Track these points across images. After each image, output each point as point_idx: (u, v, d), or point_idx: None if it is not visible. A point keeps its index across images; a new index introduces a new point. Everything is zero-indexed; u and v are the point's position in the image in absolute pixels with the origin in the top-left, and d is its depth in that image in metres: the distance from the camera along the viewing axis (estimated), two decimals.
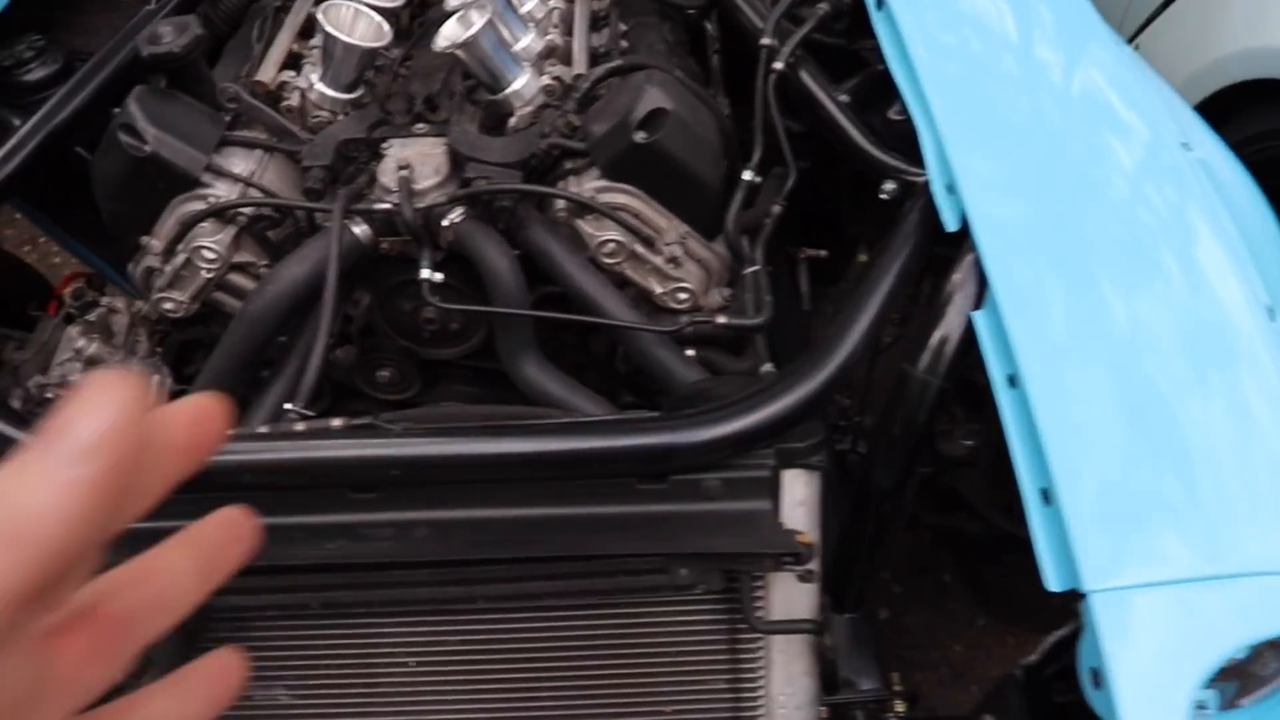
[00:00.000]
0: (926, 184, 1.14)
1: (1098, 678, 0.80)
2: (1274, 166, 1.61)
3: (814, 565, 0.99)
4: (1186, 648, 0.78)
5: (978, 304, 1.01)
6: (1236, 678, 0.89)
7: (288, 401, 1.29)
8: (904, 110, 1.28)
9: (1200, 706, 0.79)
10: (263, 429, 1.02)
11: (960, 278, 1.04)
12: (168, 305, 1.33)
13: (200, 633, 1.01)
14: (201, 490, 0.94)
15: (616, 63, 1.32)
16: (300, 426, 1.04)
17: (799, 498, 1.03)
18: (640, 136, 1.20)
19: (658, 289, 1.29)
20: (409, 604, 1.02)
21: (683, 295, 1.30)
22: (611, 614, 1.06)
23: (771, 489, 1.00)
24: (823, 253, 1.61)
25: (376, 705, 1.10)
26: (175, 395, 1.25)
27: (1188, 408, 0.88)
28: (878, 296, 1.07)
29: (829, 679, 1.17)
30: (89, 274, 1.60)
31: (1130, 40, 1.99)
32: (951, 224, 1.07)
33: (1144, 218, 1.08)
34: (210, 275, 1.30)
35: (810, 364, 1.01)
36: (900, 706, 1.21)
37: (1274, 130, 1.66)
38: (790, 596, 1.06)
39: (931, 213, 1.11)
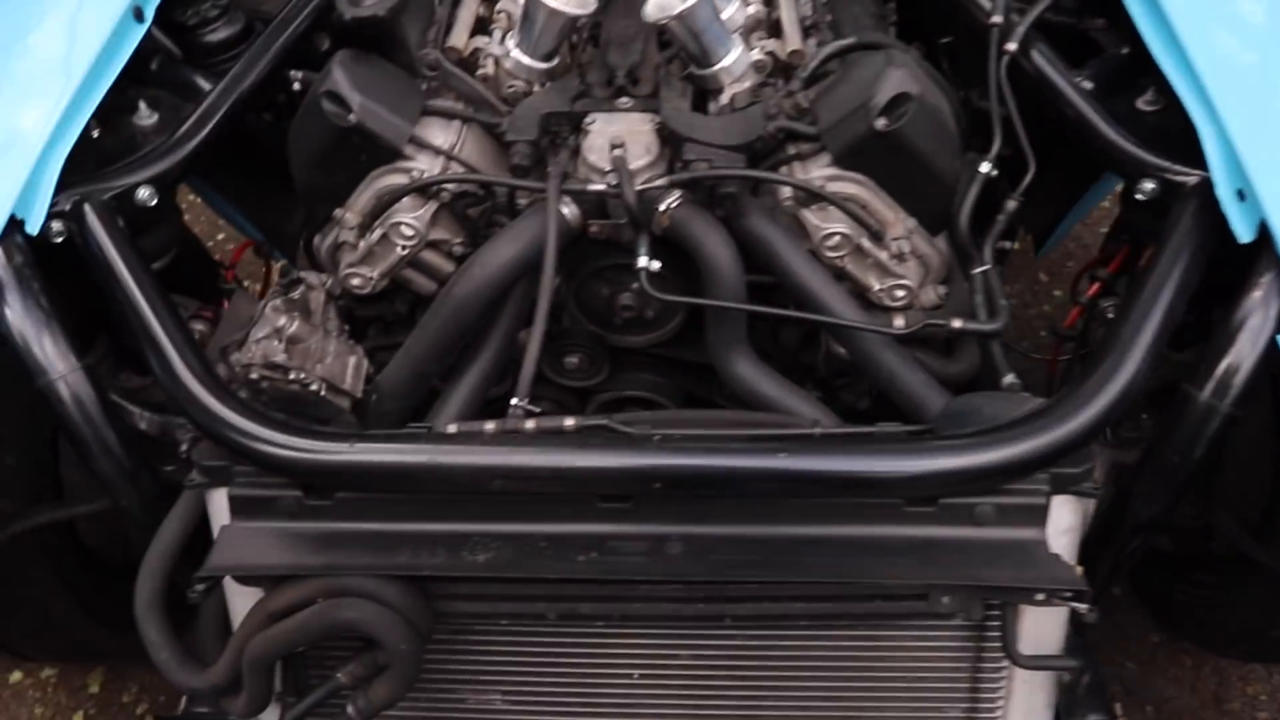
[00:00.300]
0: (1199, 186, 1.05)
1: None
2: None
3: (1090, 611, 0.93)
4: None
5: None
6: None
7: (492, 391, 1.26)
8: (1157, 99, 1.18)
9: None
10: (507, 429, 0.96)
11: (1259, 296, 0.96)
12: (355, 281, 1.28)
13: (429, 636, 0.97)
14: (450, 493, 0.91)
15: (849, 40, 1.23)
16: (530, 425, 0.99)
17: (1065, 525, 0.96)
18: (882, 123, 1.12)
19: (875, 285, 1.22)
20: (652, 619, 0.98)
21: (900, 293, 1.23)
22: (853, 636, 1.01)
23: (1046, 519, 0.93)
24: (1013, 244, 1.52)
25: (591, 716, 1.07)
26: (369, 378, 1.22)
27: None
28: (1157, 312, 0.99)
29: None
30: (258, 243, 1.56)
31: None
32: (1245, 235, 0.98)
33: None
34: (405, 252, 1.25)
35: (1093, 386, 0.94)
36: None
37: None
38: (1041, 628, 1.00)
39: (1211, 220, 1.02)
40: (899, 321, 1.21)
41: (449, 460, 0.91)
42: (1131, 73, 1.23)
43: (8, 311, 1.02)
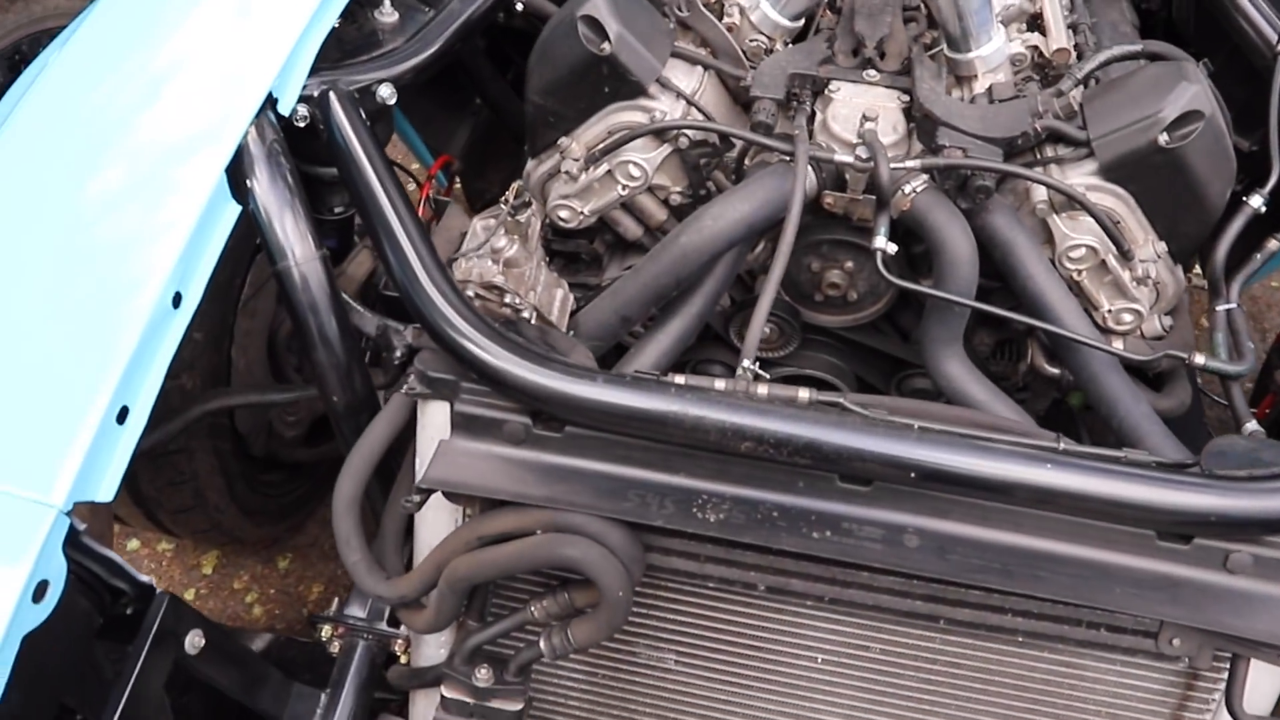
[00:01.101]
0: None
1: None
2: None
3: None
4: None
5: None
6: None
7: (717, 353, 1.24)
8: None
9: None
10: (747, 390, 0.94)
11: None
12: (564, 214, 1.26)
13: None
14: (696, 446, 0.88)
15: (1136, 47, 1.17)
16: (763, 391, 0.96)
17: None
18: (1165, 139, 1.07)
19: (1105, 305, 1.18)
20: (863, 607, 0.96)
21: (1128, 317, 1.18)
22: (1056, 659, 0.98)
23: None
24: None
25: (763, 693, 1.05)
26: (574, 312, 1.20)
27: None
28: None
29: None
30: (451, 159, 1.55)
31: None
32: None
33: None
34: (625, 192, 1.23)
35: None
36: None
37: None
38: (1259, 687, 0.97)
39: None
40: (1119, 344, 1.17)
41: (701, 414, 0.88)
42: None
43: (256, 188, 1.02)
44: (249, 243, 1.33)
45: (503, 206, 1.17)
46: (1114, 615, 0.92)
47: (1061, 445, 0.92)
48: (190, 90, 1.01)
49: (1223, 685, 0.96)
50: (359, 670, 1.18)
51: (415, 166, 1.86)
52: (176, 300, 0.92)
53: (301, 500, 1.71)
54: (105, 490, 0.85)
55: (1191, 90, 1.07)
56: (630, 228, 1.30)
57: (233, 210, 0.99)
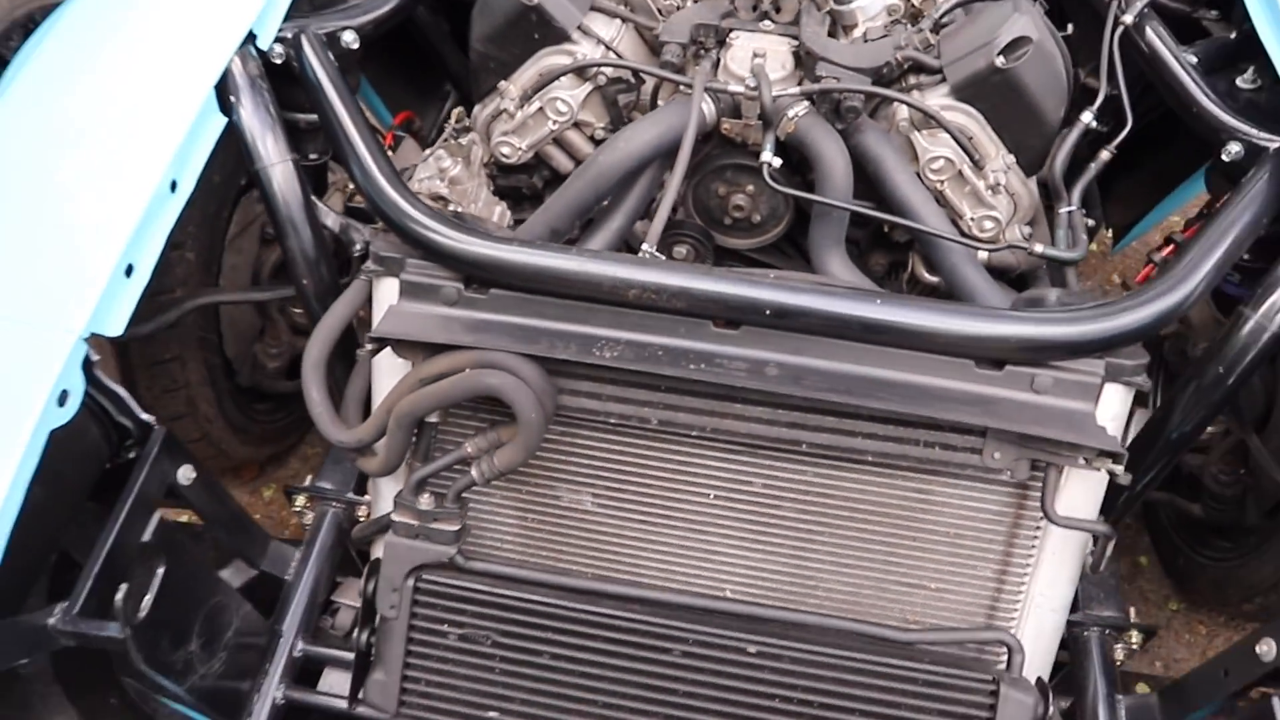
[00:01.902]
0: (1278, 150, 1.22)
1: None
2: None
3: (1122, 469, 1.10)
4: None
5: None
6: None
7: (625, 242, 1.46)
8: (1257, 78, 1.35)
9: None
10: (646, 256, 1.17)
11: None
12: (505, 150, 1.50)
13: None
14: (590, 299, 1.11)
15: None
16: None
17: (1114, 412, 1.14)
18: (1000, 61, 1.31)
19: (968, 213, 1.40)
20: (737, 436, 1.17)
21: (989, 224, 1.41)
22: (908, 485, 1.19)
23: (1098, 396, 1.11)
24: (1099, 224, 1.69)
25: (668, 529, 1.26)
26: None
27: None
28: (1220, 243, 1.16)
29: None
30: (413, 115, 1.80)
31: None
32: None
33: None
34: (555, 127, 1.47)
35: (1153, 293, 1.12)
36: (1136, 638, 1.31)
37: None
38: (1077, 499, 1.18)
39: None
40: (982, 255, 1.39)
41: (596, 269, 1.11)
42: (1235, 55, 1.40)
43: (240, 107, 1.26)
44: (235, 183, 1.58)
45: (446, 129, 1.41)
46: (946, 436, 1.13)
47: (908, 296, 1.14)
48: (185, 24, 1.26)
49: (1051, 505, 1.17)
50: (328, 532, 1.39)
51: None
52: (173, 186, 1.16)
53: (284, 430, 1.93)
54: (114, 327, 1.08)
55: (1021, 20, 1.31)
56: (562, 162, 1.53)
57: (219, 120, 1.23)
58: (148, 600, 1.03)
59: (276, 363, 1.81)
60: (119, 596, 1.00)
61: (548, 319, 1.16)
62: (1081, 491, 1.17)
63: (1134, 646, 1.32)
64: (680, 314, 1.13)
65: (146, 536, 1.07)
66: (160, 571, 1.05)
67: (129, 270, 1.10)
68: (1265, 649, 1.06)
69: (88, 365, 1.06)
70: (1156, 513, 1.84)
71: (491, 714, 1.21)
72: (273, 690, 1.26)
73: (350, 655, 1.29)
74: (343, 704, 1.27)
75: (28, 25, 1.72)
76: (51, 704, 1.15)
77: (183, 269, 1.51)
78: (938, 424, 1.13)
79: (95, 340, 1.06)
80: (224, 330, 1.70)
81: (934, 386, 1.11)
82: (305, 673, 1.31)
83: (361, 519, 1.41)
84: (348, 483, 1.42)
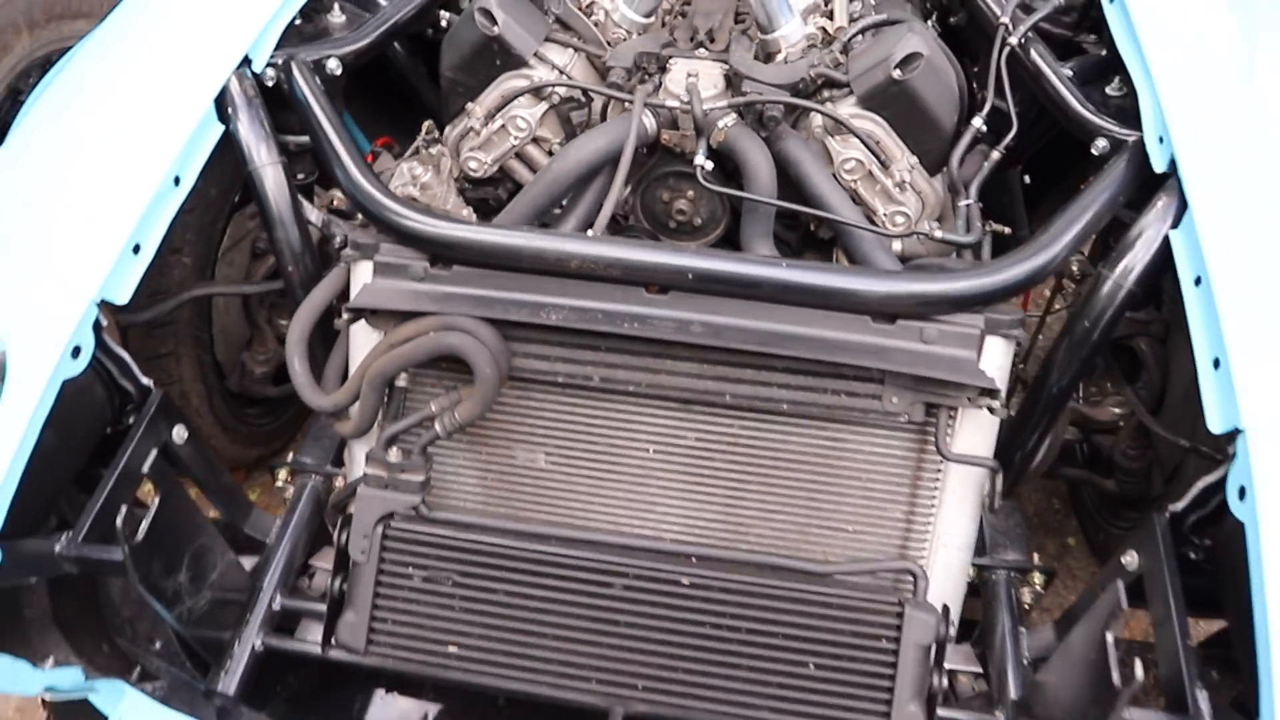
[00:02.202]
0: (1136, 143, 1.42)
1: (1243, 492, 1.05)
2: None
3: (1001, 407, 1.27)
4: None
5: (1175, 225, 1.28)
6: None
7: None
8: (1122, 87, 1.56)
9: None
10: (587, 235, 1.36)
11: (1162, 205, 1.32)
12: (472, 164, 1.70)
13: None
14: (539, 271, 1.30)
15: (881, 16, 1.64)
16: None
17: (996, 362, 1.31)
18: (897, 74, 1.52)
19: (881, 210, 1.60)
20: (670, 391, 1.34)
21: (900, 219, 1.60)
22: (821, 434, 1.35)
23: (978, 346, 1.28)
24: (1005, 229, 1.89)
25: (613, 482, 1.42)
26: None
27: None
28: (1088, 213, 1.35)
29: (981, 545, 1.44)
30: (392, 140, 2.00)
31: None
32: (1160, 166, 1.35)
33: None
34: (516, 142, 1.67)
35: (1024, 254, 1.30)
36: (1038, 579, 1.46)
37: None
38: (970, 440, 1.34)
39: (1138, 160, 1.39)
40: (897, 245, 1.59)
41: (543, 244, 1.30)
42: (1105, 69, 1.62)
43: (236, 118, 1.46)
44: (229, 199, 1.77)
45: (418, 140, 1.61)
46: (850, 385, 1.31)
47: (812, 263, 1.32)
48: (189, 48, 1.47)
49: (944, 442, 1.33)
50: (307, 501, 1.54)
51: None
52: (176, 181, 1.35)
53: (271, 434, 2.09)
54: (122, 296, 1.25)
55: (914, 38, 1.53)
56: (524, 175, 1.73)
57: (218, 128, 1.43)
58: (144, 525, 1.18)
59: (264, 368, 1.97)
60: (119, 518, 1.15)
61: (502, 289, 1.34)
62: (973, 432, 1.34)
63: (1039, 589, 1.47)
64: (616, 281, 1.31)
65: (145, 469, 1.22)
66: (156, 500, 1.20)
67: (136, 249, 1.28)
68: (1129, 560, 1.21)
69: (98, 328, 1.23)
70: (1080, 495, 2.00)
71: (452, 647, 1.35)
72: (253, 638, 1.39)
73: (321, 607, 1.43)
74: (317, 649, 1.40)
75: (45, 66, 1.95)
76: (49, 642, 1.28)
77: (180, 272, 1.68)
78: (841, 372, 1.30)
79: (106, 309, 1.23)
80: (215, 335, 1.87)
81: (836, 338, 1.28)
82: (282, 626, 1.45)
83: (337, 485, 1.56)
84: (326, 457, 1.58)
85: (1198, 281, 1.21)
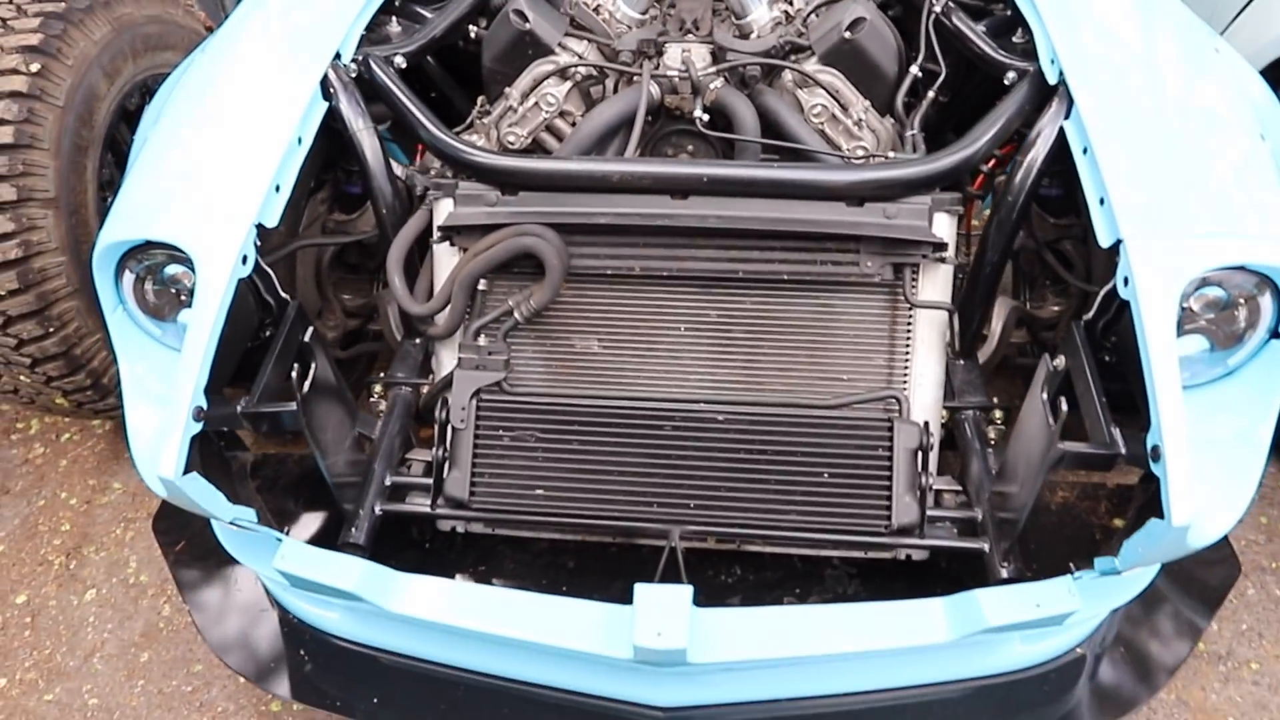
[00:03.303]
0: (1035, 72, 1.89)
1: (1127, 281, 1.48)
2: None
3: (951, 258, 1.70)
4: (1180, 262, 1.46)
5: (1067, 117, 1.74)
6: (1218, 333, 1.55)
7: None
8: (1024, 35, 2.04)
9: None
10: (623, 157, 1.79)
11: (1055, 107, 1.78)
12: (510, 138, 2.14)
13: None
14: (587, 189, 1.77)
15: None
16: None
17: (943, 230, 1.75)
18: (848, 34, 1.99)
19: (845, 145, 2.05)
20: (695, 271, 1.76)
21: (860, 151, 2.05)
22: (817, 301, 1.78)
23: (929, 219, 1.72)
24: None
25: (653, 357, 1.83)
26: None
27: (1190, 154, 1.59)
28: (1000, 120, 1.81)
29: (949, 393, 1.85)
30: None
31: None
32: (1053, 79, 1.82)
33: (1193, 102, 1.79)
34: (547, 116, 2.12)
35: (956, 149, 1.76)
36: (999, 415, 1.87)
37: None
38: (933, 290, 1.77)
39: (1037, 80, 1.86)
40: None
41: (589, 167, 1.73)
42: (1010, 25, 2.10)
43: (337, 97, 1.89)
44: (306, 186, 2.19)
45: (473, 113, 2.05)
46: (834, 255, 1.74)
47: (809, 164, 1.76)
48: (296, 48, 1.91)
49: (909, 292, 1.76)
50: (400, 407, 1.93)
51: None
52: (299, 140, 1.77)
53: None
54: (271, 220, 1.66)
55: (858, 7, 2.01)
56: (554, 146, 2.17)
57: (323, 105, 1.86)
58: (308, 383, 1.57)
59: (334, 333, 2.36)
60: (294, 374, 1.54)
61: (560, 204, 1.76)
62: (933, 286, 1.77)
63: (1000, 425, 1.88)
64: (648, 191, 1.74)
65: (306, 339, 1.62)
66: (314, 366, 1.59)
67: (277, 188, 1.69)
68: (1058, 362, 1.63)
69: (256, 245, 1.63)
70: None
71: (538, 490, 1.73)
72: (372, 504, 1.77)
73: (428, 480, 1.80)
74: (427, 510, 1.77)
75: (145, 87, 2.37)
76: (247, 493, 1.66)
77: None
78: (825, 246, 1.73)
79: (260, 231, 1.64)
80: None
81: (820, 218, 1.72)
82: (393, 498, 1.82)
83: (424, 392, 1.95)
84: (412, 373, 1.97)
85: (1085, 151, 1.66)
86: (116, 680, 2.09)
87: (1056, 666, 1.81)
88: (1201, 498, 1.44)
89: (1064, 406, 1.49)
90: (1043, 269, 2.19)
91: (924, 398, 1.82)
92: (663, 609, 1.49)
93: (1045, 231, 2.20)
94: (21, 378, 2.19)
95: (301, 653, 1.86)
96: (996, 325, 2.06)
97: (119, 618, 2.22)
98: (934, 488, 1.79)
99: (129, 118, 2.34)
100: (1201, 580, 1.96)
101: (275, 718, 1.99)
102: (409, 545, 1.90)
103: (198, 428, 1.49)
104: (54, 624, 2.22)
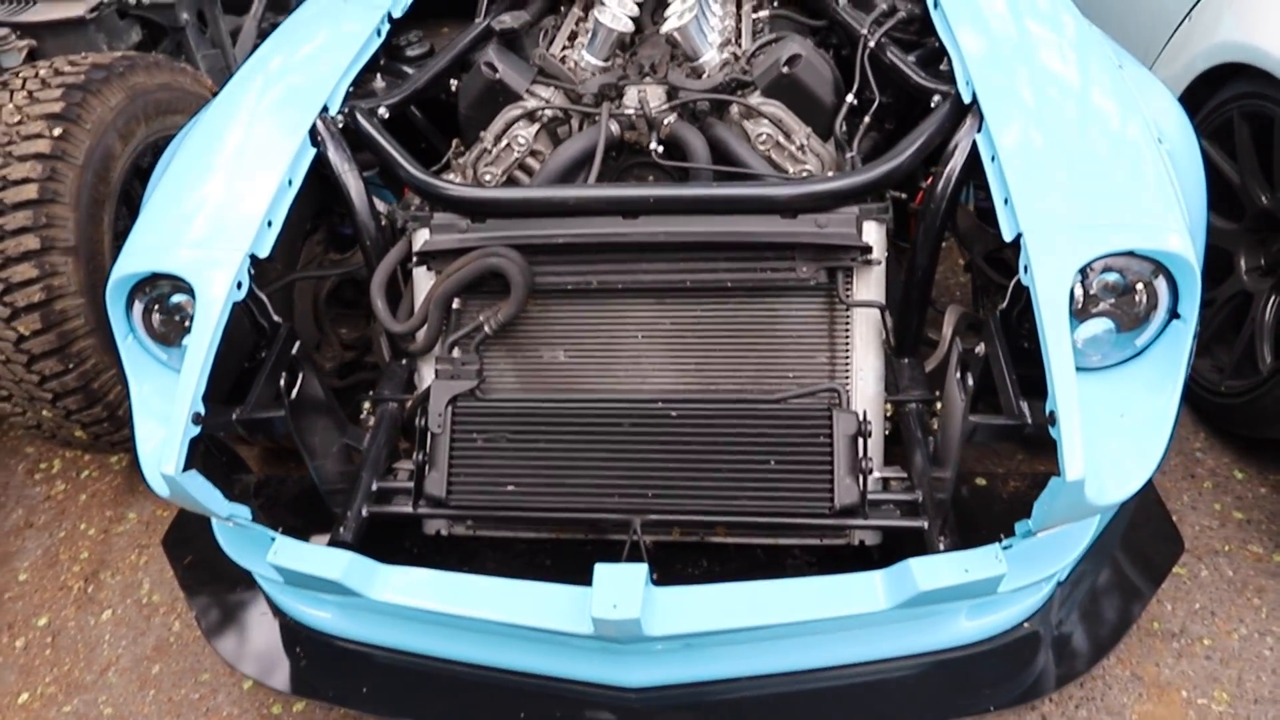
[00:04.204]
0: (955, 95, 2.09)
1: (1027, 269, 1.64)
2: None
3: (879, 260, 1.88)
4: (1072, 249, 1.63)
5: (979, 131, 1.93)
6: (1123, 316, 1.71)
7: None
8: (947, 64, 2.24)
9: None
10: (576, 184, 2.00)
11: (969, 123, 1.96)
12: (486, 177, 2.35)
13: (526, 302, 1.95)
14: (546, 213, 1.99)
15: (774, 35, 2.34)
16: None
17: (875, 238, 1.93)
18: (785, 69, 2.20)
19: (790, 169, 2.24)
20: (647, 283, 1.94)
21: (805, 174, 2.25)
22: (762, 306, 1.95)
23: (858, 227, 1.90)
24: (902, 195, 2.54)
25: (613, 363, 2.00)
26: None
27: (1086, 158, 1.77)
28: (922, 137, 2.00)
29: (893, 387, 2.01)
30: None
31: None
32: (967, 98, 2.01)
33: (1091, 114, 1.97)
34: (518, 155, 2.33)
35: (880, 164, 1.94)
36: (940, 408, 2.02)
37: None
38: (866, 291, 1.94)
39: (956, 102, 2.05)
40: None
41: (548, 194, 1.93)
42: (938, 56, 2.30)
43: (324, 144, 2.11)
44: (302, 229, 2.41)
45: (447, 155, 2.27)
46: (772, 264, 1.91)
47: (753, 185, 1.96)
48: (288, 101, 2.14)
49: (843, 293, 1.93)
50: (387, 421, 2.10)
51: None
52: (290, 182, 1.98)
53: None
54: (263, 251, 1.86)
55: (794, 44, 2.22)
56: (525, 181, 2.38)
57: (311, 151, 2.08)
58: (295, 391, 1.75)
59: (330, 364, 2.56)
60: (282, 383, 1.73)
61: (524, 229, 1.96)
62: (865, 287, 1.95)
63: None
64: (600, 213, 1.94)
65: (295, 351, 1.81)
66: (301, 375, 1.78)
67: (269, 223, 1.90)
68: (979, 349, 1.79)
69: (250, 272, 1.83)
70: None
71: (510, 486, 1.89)
72: (360, 506, 1.93)
73: (409, 485, 1.97)
74: (409, 510, 1.94)
75: (155, 147, 2.62)
76: (245, 501, 1.83)
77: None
78: (763, 256, 1.91)
79: (253, 261, 1.84)
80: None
81: (757, 230, 1.90)
82: (379, 501, 1.98)
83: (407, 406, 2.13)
84: (397, 390, 2.15)
85: (993, 159, 1.84)
86: (130, 691, 2.24)
87: (1006, 642, 1.94)
88: (1106, 458, 1.59)
89: (971, 382, 1.64)
90: (987, 279, 2.36)
91: (866, 390, 1.97)
92: (618, 584, 1.64)
93: (987, 242, 2.38)
94: (44, 412, 2.39)
95: (299, 650, 2.01)
96: (947, 330, 2.22)
97: (133, 634, 2.38)
98: (880, 475, 1.94)
99: (142, 175, 2.58)
100: (1147, 557, 2.08)
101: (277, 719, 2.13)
102: (398, 552, 2.06)
103: (196, 430, 1.67)
104: (73, 642, 2.38)
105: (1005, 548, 1.70)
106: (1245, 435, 2.61)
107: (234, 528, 1.85)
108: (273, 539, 1.81)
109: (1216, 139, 2.60)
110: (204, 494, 1.69)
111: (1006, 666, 1.92)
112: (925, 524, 1.82)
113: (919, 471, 1.92)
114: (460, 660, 1.93)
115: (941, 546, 1.77)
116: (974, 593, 1.72)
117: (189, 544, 2.21)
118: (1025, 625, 1.94)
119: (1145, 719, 2.00)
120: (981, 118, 1.94)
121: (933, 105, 2.14)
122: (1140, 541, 2.08)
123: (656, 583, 1.71)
